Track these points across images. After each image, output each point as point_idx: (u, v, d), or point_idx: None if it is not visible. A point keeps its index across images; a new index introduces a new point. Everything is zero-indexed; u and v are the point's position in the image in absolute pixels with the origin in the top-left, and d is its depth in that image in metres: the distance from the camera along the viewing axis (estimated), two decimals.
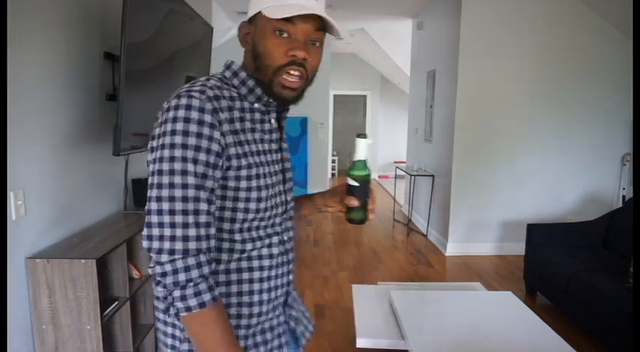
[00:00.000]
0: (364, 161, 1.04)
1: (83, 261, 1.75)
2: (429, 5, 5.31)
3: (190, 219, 0.82)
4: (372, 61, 9.45)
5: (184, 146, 0.81)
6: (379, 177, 10.14)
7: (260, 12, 0.89)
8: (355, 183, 1.05)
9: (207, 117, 0.83)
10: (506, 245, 4.52)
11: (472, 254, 4.50)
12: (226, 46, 7.32)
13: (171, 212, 0.82)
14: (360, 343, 2.05)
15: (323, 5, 0.93)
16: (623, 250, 3.13)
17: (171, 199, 0.82)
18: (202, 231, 0.84)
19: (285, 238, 1.02)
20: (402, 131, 9.37)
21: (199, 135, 0.82)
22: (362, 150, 1.04)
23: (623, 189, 4.49)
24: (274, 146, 0.99)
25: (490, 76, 4.29)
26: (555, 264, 3.08)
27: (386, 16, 6.04)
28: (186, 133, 0.81)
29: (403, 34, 6.63)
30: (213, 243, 0.87)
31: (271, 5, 0.88)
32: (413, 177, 5.48)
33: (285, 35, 0.88)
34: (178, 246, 0.82)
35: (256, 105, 0.95)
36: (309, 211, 1.20)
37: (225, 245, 0.92)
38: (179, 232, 0.82)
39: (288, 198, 1.04)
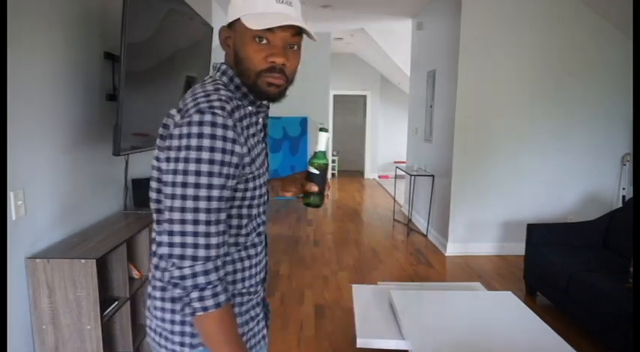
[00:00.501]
0: (324, 151, 1.18)
1: (83, 260, 1.75)
2: (429, 5, 5.31)
3: (212, 228, 0.88)
4: (372, 61, 9.45)
5: (211, 161, 0.86)
6: (379, 177, 10.15)
7: (239, 18, 0.93)
8: (316, 171, 1.17)
9: (230, 134, 0.88)
10: (506, 245, 4.52)
11: (472, 254, 4.50)
12: None
13: (195, 222, 0.87)
14: (360, 343, 2.05)
15: (299, 9, 0.98)
16: (623, 250, 3.13)
17: (196, 210, 0.87)
18: (221, 239, 0.91)
19: (264, 223, 1.12)
20: (402, 131, 9.36)
21: (224, 151, 0.88)
22: (323, 142, 1.18)
23: (623, 189, 4.49)
24: (263, 144, 1.07)
25: (490, 76, 4.29)
26: (555, 264, 3.08)
27: (386, 16, 6.04)
28: (212, 149, 0.86)
29: (403, 34, 6.63)
30: (227, 247, 0.96)
31: (250, 13, 0.92)
32: (413, 177, 5.48)
33: (264, 42, 0.93)
34: (201, 253, 0.87)
35: (250, 108, 1.01)
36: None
37: (232, 240, 1.01)
38: (202, 241, 0.87)
39: (267, 187, 1.11)
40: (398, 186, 7.31)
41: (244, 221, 1.00)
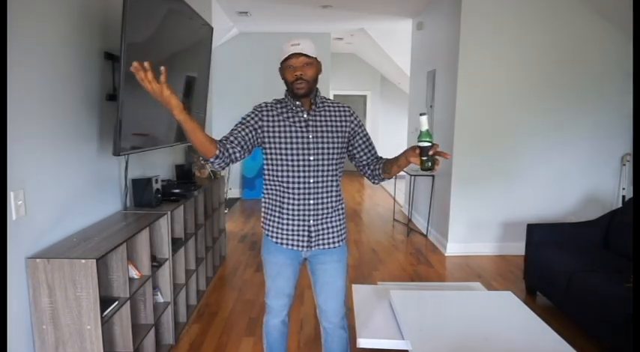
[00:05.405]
0: (427, 130, 1.63)
1: (83, 260, 1.75)
2: (429, 5, 5.31)
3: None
4: (372, 61, 9.45)
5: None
6: None
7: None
8: (427, 144, 1.62)
9: (251, 112, 1.91)
10: (506, 245, 4.52)
11: (472, 254, 4.50)
12: (226, 46, 7.31)
13: None
14: (360, 343, 2.06)
15: (308, 44, 1.74)
16: (623, 250, 3.13)
17: None
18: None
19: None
20: (402, 131, 9.35)
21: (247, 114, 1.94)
22: (425, 123, 1.62)
23: (623, 189, 4.49)
24: (298, 132, 1.87)
25: (490, 76, 4.29)
26: (555, 264, 3.08)
27: (386, 16, 6.04)
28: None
29: (403, 34, 6.62)
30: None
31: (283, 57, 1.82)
32: (413, 177, 5.48)
33: (290, 66, 1.79)
34: None
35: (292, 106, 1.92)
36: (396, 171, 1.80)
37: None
38: None
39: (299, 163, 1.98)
40: (398, 186, 7.31)
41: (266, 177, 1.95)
